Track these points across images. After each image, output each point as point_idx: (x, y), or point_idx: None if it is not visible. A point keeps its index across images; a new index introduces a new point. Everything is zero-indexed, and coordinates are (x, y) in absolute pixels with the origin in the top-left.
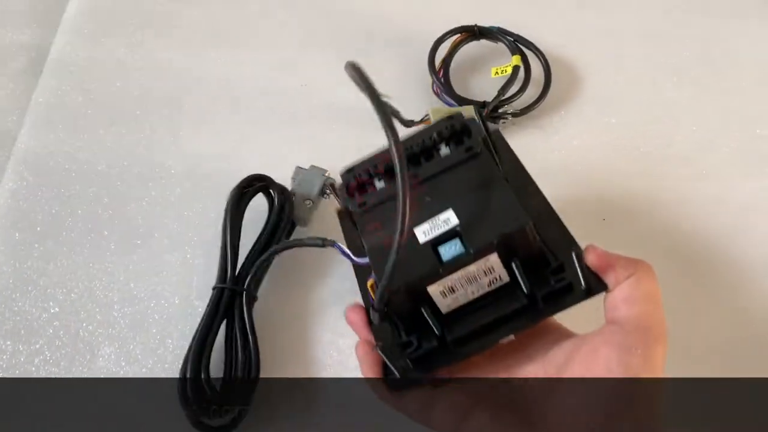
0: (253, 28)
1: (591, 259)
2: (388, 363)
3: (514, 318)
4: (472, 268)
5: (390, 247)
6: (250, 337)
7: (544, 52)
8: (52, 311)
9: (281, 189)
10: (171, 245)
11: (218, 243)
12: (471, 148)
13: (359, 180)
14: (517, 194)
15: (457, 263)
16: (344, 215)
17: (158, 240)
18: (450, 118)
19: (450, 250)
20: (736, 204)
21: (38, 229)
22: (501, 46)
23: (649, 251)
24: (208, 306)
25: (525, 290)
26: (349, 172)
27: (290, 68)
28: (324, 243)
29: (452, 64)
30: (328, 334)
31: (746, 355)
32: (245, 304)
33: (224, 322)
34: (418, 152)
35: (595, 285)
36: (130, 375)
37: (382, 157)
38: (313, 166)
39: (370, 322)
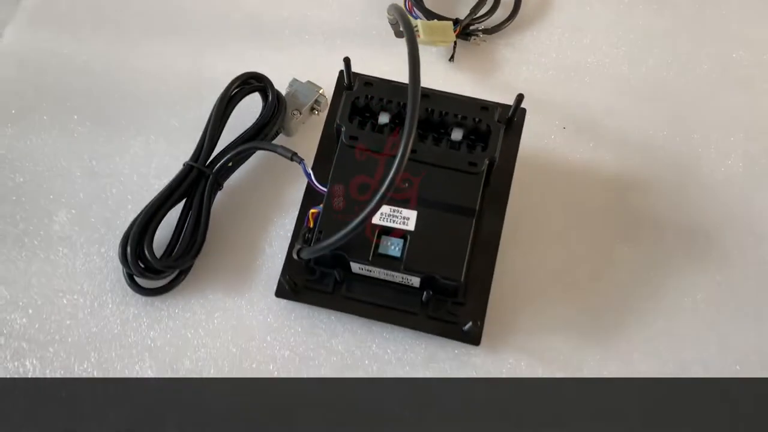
0: None
1: None
2: (284, 272)
3: (400, 314)
4: (395, 273)
5: (349, 208)
6: (203, 218)
7: None
8: (17, 181)
9: (278, 94)
10: (136, 131)
11: (181, 133)
12: (475, 165)
13: (369, 103)
14: (487, 201)
15: (386, 263)
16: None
17: (125, 126)
18: (485, 109)
19: (389, 247)
20: (709, 121)
21: (12, 111)
22: None
23: (609, 158)
24: (173, 179)
25: (421, 301)
26: (366, 86)
27: None
28: (292, 157)
29: None
30: (280, 233)
31: None
32: (208, 186)
33: (183, 202)
34: (435, 122)
35: (471, 339)
36: (82, 239)
37: (402, 93)
38: (309, 82)
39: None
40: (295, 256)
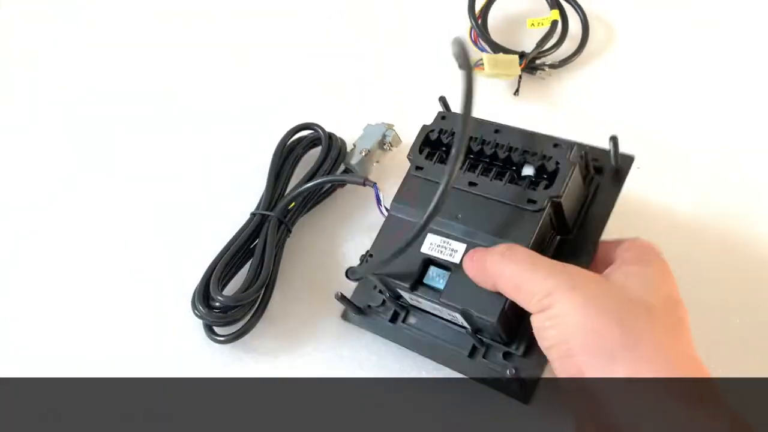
0: None
1: None
2: (350, 298)
3: (451, 353)
4: (437, 305)
5: (401, 235)
6: (273, 263)
7: (583, 7)
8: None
9: (330, 135)
10: (203, 183)
11: (248, 183)
12: (534, 202)
13: (440, 136)
14: (566, 249)
15: (430, 294)
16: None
17: (193, 179)
18: (557, 146)
19: (434, 278)
20: None
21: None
22: None
23: (681, 201)
24: (241, 228)
25: (475, 346)
26: (442, 119)
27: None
28: (365, 182)
29: (490, 13)
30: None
31: None
32: (276, 232)
33: (255, 243)
34: (502, 157)
35: (520, 396)
36: (158, 297)
37: (475, 126)
38: (383, 123)
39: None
40: (346, 277)
